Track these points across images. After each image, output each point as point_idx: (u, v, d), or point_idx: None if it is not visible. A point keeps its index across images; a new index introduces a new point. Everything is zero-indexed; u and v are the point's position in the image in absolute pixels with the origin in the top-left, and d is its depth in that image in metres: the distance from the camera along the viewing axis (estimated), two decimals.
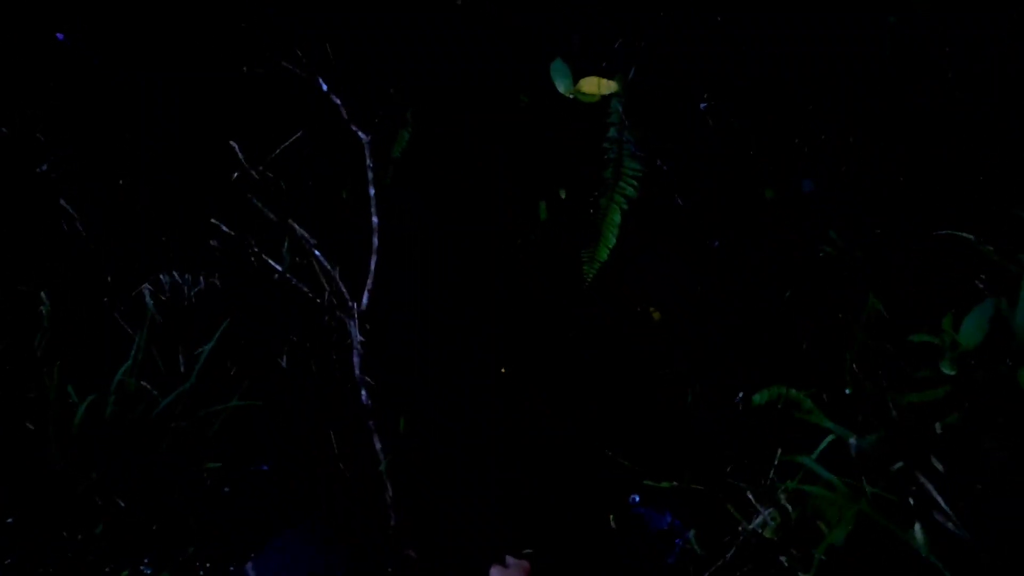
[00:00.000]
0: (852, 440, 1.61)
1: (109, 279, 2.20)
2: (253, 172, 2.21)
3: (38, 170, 2.20)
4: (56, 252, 2.20)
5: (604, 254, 2.11)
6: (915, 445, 1.54)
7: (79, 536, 1.77)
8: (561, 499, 2.08)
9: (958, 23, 2.07)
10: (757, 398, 1.90)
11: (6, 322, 2.02)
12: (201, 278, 2.18)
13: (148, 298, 2.11)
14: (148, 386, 1.87)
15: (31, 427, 1.81)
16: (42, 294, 1.95)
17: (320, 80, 2.14)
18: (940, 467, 1.47)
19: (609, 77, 2.10)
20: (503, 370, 2.27)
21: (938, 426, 1.49)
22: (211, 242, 2.22)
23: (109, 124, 2.31)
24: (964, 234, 1.74)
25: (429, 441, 2.14)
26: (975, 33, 2.06)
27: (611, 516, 2.03)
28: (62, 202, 2.20)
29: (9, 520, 1.79)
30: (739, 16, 2.19)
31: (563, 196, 2.32)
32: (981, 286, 1.63)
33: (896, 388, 1.69)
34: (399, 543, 1.93)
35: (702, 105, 2.25)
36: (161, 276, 2.19)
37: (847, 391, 1.94)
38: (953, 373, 1.48)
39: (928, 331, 1.54)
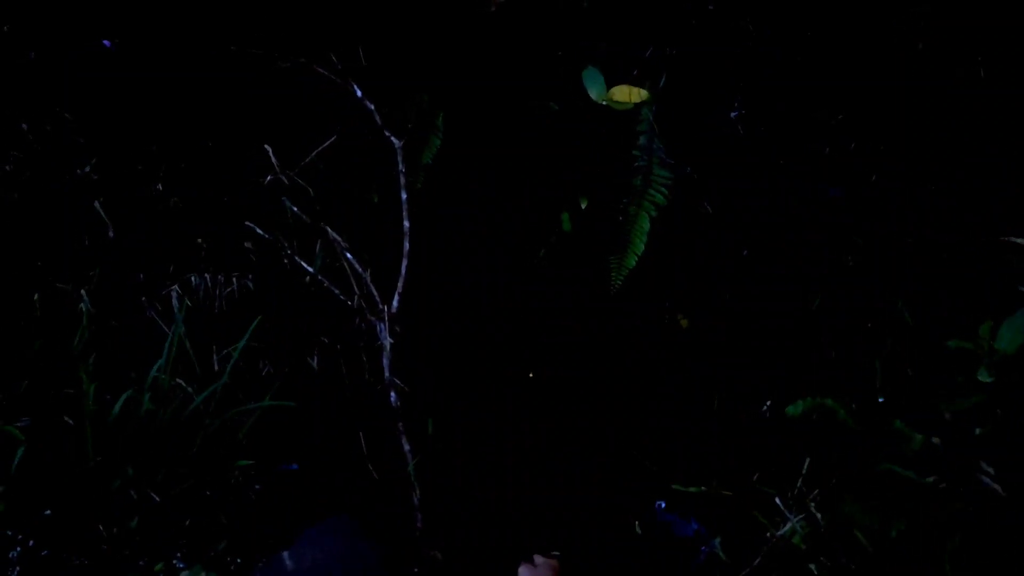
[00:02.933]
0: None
1: (142, 277, 2.24)
2: (286, 176, 2.24)
3: (79, 171, 2.26)
4: (94, 251, 2.25)
5: (632, 261, 2.12)
6: (960, 450, 1.53)
7: (114, 530, 1.80)
8: (588, 502, 2.08)
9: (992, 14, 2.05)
10: (791, 409, 1.90)
11: (46, 319, 2.07)
12: (234, 279, 2.21)
13: (179, 298, 2.15)
14: (183, 383, 1.91)
15: (69, 422, 1.84)
16: (82, 292, 1.99)
17: (354, 85, 2.18)
18: (990, 470, 1.45)
19: (640, 84, 2.12)
20: (531, 374, 2.28)
21: (978, 431, 1.48)
22: (245, 244, 2.26)
23: (142, 125, 2.37)
24: (1018, 239, 1.72)
25: (457, 443, 2.16)
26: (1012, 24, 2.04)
27: (637, 522, 2.03)
28: (96, 205, 2.25)
29: (47, 512, 1.83)
30: (767, 23, 2.20)
31: (591, 203, 2.33)
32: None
33: (931, 396, 1.68)
34: (426, 544, 1.94)
35: (732, 113, 2.26)
36: (194, 277, 2.22)
37: (880, 400, 1.93)
38: (990, 380, 1.47)
39: (963, 338, 1.54)
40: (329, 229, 2.14)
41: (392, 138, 2.12)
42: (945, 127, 2.12)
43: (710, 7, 2.18)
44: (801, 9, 2.19)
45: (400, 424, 2.04)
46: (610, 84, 2.10)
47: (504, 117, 2.31)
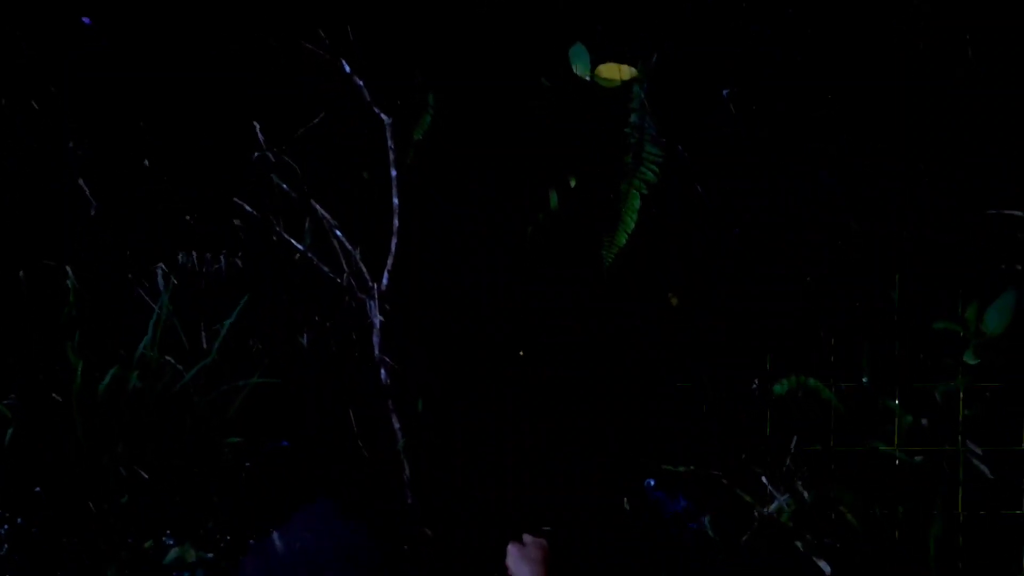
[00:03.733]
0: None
1: (129, 254, 2.22)
2: (275, 153, 2.22)
3: (64, 147, 2.23)
4: (80, 228, 2.23)
5: (623, 239, 2.12)
6: (946, 430, 1.55)
7: (104, 506, 1.80)
8: (578, 480, 2.09)
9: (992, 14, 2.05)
10: (778, 388, 1.91)
11: (32, 297, 2.05)
12: (223, 257, 2.19)
13: (166, 276, 2.13)
14: (172, 360, 1.90)
15: (57, 399, 1.84)
16: (67, 268, 1.97)
17: (343, 62, 2.15)
18: (978, 451, 1.47)
19: (632, 64, 2.10)
20: (521, 352, 2.28)
21: (964, 411, 1.50)
22: (234, 221, 2.24)
23: (128, 103, 2.33)
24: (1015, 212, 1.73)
25: (446, 421, 2.16)
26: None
27: (625, 499, 2.05)
28: (80, 182, 2.22)
29: (36, 489, 1.82)
30: (767, 22, 2.19)
31: (582, 182, 2.32)
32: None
33: (917, 377, 1.69)
34: (415, 521, 1.95)
35: (724, 92, 2.25)
36: (181, 255, 2.21)
37: (864, 380, 1.95)
38: (976, 363, 1.48)
39: (950, 319, 1.54)
40: (318, 207, 2.12)
41: (382, 115, 2.10)
42: (945, 127, 2.12)
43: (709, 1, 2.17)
44: (801, 9, 2.18)
45: (390, 402, 2.04)
46: (602, 62, 2.08)
47: (497, 100, 2.29)
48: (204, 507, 1.88)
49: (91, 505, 1.80)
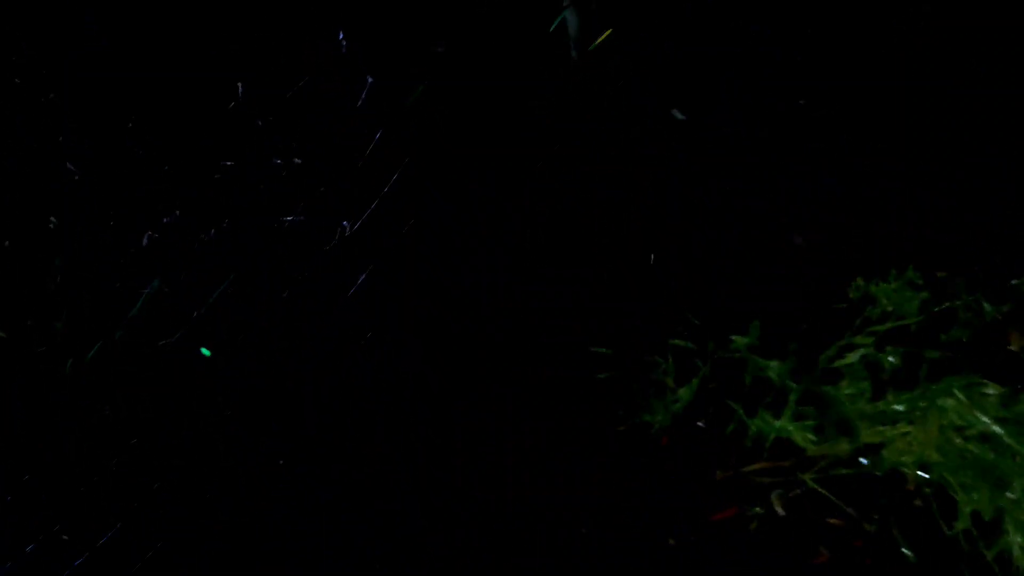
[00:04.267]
0: None
1: (114, 223, 2.19)
2: (261, 115, 2.21)
3: (65, 145, 2.22)
4: (66, 196, 2.21)
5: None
6: None
7: (93, 476, 1.77)
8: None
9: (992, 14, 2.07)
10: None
11: (21, 266, 2.03)
12: (211, 225, 2.18)
13: (153, 243, 2.11)
14: (158, 329, 1.88)
15: (47, 370, 1.82)
16: (51, 238, 1.96)
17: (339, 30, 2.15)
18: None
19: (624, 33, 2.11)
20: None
21: None
22: (217, 178, 2.22)
23: (129, 101, 2.33)
24: None
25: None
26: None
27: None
28: (76, 177, 2.21)
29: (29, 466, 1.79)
30: (767, 22, 2.20)
31: (576, 144, 2.32)
32: None
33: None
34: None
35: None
36: (166, 219, 2.18)
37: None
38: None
39: None
40: (307, 167, 2.12)
41: (368, 77, 2.10)
42: (945, 127, 2.13)
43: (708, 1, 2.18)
44: (801, 9, 2.20)
45: (373, 357, 2.02)
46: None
47: (487, 63, 2.29)
48: (191, 471, 1.85)
49: (80, 473, 1.77)
